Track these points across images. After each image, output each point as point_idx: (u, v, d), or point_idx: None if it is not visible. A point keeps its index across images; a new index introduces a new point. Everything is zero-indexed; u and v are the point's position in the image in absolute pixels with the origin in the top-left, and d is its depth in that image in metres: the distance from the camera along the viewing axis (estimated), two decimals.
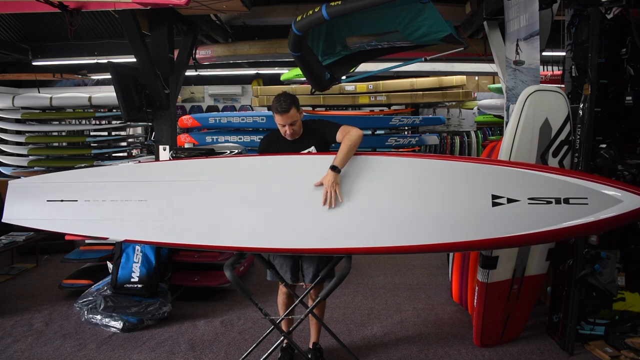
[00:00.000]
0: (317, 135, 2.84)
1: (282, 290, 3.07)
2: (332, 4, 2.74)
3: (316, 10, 2.79)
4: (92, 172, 3.01)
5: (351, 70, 4.07)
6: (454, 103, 9.01)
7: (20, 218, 2.83)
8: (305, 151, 2.83)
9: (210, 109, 10.93)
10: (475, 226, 2.39)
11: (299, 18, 2.90)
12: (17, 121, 6.98)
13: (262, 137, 3.09)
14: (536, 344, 3.32)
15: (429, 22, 3.05)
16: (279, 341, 2.87)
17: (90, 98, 6.61)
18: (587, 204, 2.32)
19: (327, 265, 2.85)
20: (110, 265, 4.03)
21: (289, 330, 2.91)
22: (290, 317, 2.94)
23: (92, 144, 7.04)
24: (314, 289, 2.93)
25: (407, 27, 3.19)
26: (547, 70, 4.24)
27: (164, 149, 5.16)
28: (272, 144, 2.93)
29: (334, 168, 2.54)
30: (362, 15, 3.08)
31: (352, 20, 3.19)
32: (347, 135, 2.63)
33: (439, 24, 3.06)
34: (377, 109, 8.54)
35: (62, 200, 2.75)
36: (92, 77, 8.46)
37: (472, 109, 9.44)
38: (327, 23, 2.91)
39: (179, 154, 4.58)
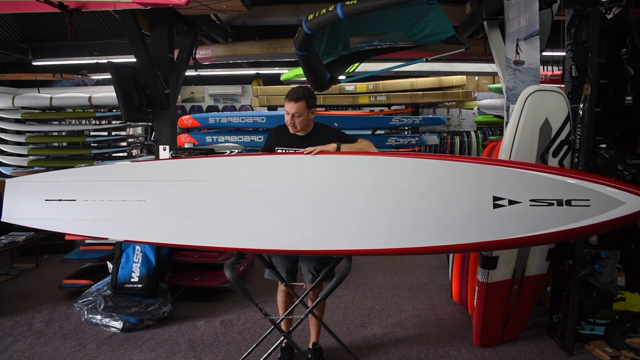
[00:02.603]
0: (326, 141, 2.79)
1: (281, 288, 3.08)
2: (348, 3, 2.73)
3: (330, 9, 2.78)
4: (89, 171, 3.01)
5: (351, 70, 4.07)
6: (454, 103, 9.01)
7: (19, 217, 2.83)
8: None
9: (210, 109, 10.93)
10: (476, 228, 2.39)
11: (310, 17, 2.89)
12: (17, 121, 6.97)
13: (261, 137, 3.10)
14: (536, 344, 3.32)
15: (434, 22, 3.06)
16: (279, 341, 2.87)
17: (90, 98, 6.60)
18: (589, 205, 2.30)
19: (325, 265, 2.86)
20: (110, 265, 4.03)
21: (289, 330, 2.91)
22: (290, 317, 2.94)
23: (92, 144, 7.03)
24: (313, 289, 2.93)
25: (412, 27, 3.20)
26: (547, 70, 4.24)
27: (164, 149, 5.16)
28: (279, 134, 2.95)
29: (338, 146, 2.71)
30: (372, 15, 3.08)
31: (360, 20, 3.20)
32: (365, 143, 2.81)
33: (444, 25, 3.06)
34: (377, 109, 8.54)
35: (60, 200, 2.75)
36: (92, 77, 8.46)
37: (472, 109, 9.44)
38: (335, 23, 2.90)
39: (179, 153, 4.59)
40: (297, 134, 2.90)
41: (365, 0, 2.71)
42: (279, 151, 2.89)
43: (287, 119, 2.83)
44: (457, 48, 3.62)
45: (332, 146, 2.70)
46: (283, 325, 3.05)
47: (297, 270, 3.04)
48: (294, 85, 8.02)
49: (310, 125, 2.93)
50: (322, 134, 2.88)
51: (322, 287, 2.90)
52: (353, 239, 2.50)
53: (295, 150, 2.81)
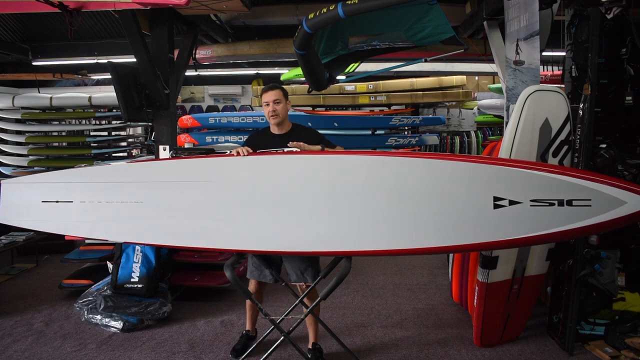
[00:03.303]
0: (310, 143, 2.87)
1: (250, 288, 3.11)
2: (349, 2, 2.74)
3: (331, 8, 2.79)
4: (86, 172, 2.99)
5: (351, 70, 4.08)
6: (454, 103, 9.00)
7: (17, 219, 2.82)
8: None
9: (210, 109, 10.93)
10: (477, 228, 2.38)
11: (311, 16, 2.90)
12: (17, 121, 6.96)
13: None
14: (536, 344, 3.32)
15: (433, 23, 3.07)
16: (279, 341, 2.87)
17: (90, 98, 6.59)
18: (590, 205, 2.29)
19: (308, 264, 2.93)
20: (110, 265, 4.03)
21: (289, 331, 2.91)
22: (289, 317, 2.93)
23: (92, 144, 7.02)
24: (303, 290, 2.97)
25: (412, 28, 3.20)
26: (547, 70, 4.24)
27: (164, 149, 5.16)
28: (260, 137, 3.02)
29: (322, 148, 2.80)
30: (372, 15, 3.09)
31: (360, 20, 3.20)
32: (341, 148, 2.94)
33: (443, 26, 3.07)
34: (377, 109, 8.54)
35: (57, 201, 2.74)
36: (92, 77, 8.46)
37: (472, 109, 9.44)
38: (335, 22, 2.92)
39: (179, 153, 4.59)
40: (277, 133, 2.98)
41: None
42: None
43: (268, 110, 2.92)
44: (456, 48, 3.63)
45: (317, 147, 2.78)
46: (248, 325, 3.23)
47: (280, 270, 3.06)
48: (294, 85, 8.07)
49: (289, 124, 3.01)
50: (301, 133, 2.96)
51: (315, 290, 2.94)
52: (353, 239, 2.50)
53: (276, 150, 2.85)
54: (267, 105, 2.91)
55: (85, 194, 2.74)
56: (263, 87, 2.98)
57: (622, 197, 2.27)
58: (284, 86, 3.03)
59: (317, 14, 2.87)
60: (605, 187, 2.30)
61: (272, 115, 2.92)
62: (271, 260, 3.01)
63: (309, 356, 3.06)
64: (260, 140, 2.98)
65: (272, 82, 3.06)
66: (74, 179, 2.84)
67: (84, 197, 2.73)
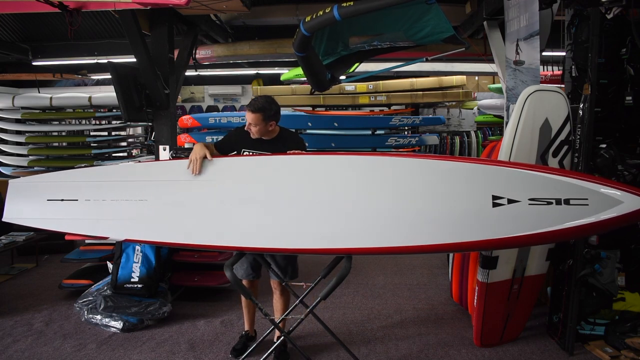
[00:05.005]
0: (290, 148, 2.87)
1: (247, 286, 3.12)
2: (344, 4, 2.74)
3: (327, 11, 2.78)
4: (92, 171, 3.02)
5: (351, 70, 4.08)
6: (454, 103, 9.00)
7: (21, 217, 2.83)
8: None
9: (210, 109, 10.93)
10: (476, 227, 2.39)
11: (308, 18, 2.89)
12: (17, 121, 6.97)
13: None
14: (536, 344, 3.32)
15: (433, 22, 3.07)
16: (278, 341, 2.88)
17: (90, 98, 6.60)
18: (587, 204, 2.31)
19: (287, 261, 2.97)
20: (110, 265, 4.03)
21: (288, 331, 2.91)
22: (289, 317, 2.93)
23: (92, 144, 7.03)
24: (276, 283, 3.03)
25: (411, 27, 3.20)
26: (547, 70, 4.24)
27: (164, 149, 5.16)
28: (246, 136, 2.95)
29: None
30: (370, 16, 3.09)
31: (359, 21, 3.20)
32: None
33: (443, 25, 3.07)
34: (377, 109, 8.53)
35: (62, 200, 2.76)
36: (92, 77, 8.47)
37: (472, 109, 9.43)
38: (332, 24, 2.91)
39: (179, 154, 4.59)
40: (263, 137, 2.94)
41: (362, 1, 2.71)
42: (245, 153, 2.92)
43: (247, 126, 2.89)
44: (457, 48, 3.63)
45: None
46: (247, 325, 3.28)
47: (262, 266, 3.07)
48: (294, 85, 8.08)
49: (275, 131, 2.96)
50: (287, 141, 2.93)
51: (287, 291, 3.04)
52: (353, 239, 2.50)
53: (260, 154, 2.85)
54: (248, 120, 2.89)
55: (90, 192, 2.75)
56: (252, 99, 2.88)
57: (619, 197, 2.29)
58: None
59: (314, 16, 2.87)
60: (602, 187, 2.32)
61: (248, 130, 2.90)
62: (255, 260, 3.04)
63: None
64: (248, 140, 2.93)
65: (263, 97, 2.88)
66: (80, 179, 2.86)
67: (89, 196, 2.74)
